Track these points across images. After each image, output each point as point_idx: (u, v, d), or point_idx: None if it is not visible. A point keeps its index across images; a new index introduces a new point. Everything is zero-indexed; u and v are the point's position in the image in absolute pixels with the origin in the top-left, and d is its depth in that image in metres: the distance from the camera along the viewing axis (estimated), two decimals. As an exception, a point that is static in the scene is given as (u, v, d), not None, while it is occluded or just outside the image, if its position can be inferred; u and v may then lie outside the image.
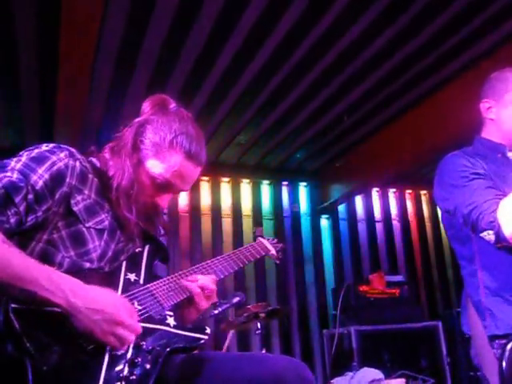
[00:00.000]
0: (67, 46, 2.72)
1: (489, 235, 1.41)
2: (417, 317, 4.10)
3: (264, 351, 3.13)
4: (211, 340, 3.51)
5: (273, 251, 1.67)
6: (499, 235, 1.38)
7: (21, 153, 1.17)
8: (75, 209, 1.18)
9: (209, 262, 1.42)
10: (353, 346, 3.76)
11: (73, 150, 1.23)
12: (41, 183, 1.11)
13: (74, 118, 3.54)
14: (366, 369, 3.20)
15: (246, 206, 4.84)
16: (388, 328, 3.95)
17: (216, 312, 2.54)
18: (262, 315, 2.98)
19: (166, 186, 1.29)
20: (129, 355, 1.09)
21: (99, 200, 1.25)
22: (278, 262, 1.71)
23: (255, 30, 2.87)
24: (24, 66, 3.04)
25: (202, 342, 1.25)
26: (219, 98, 3.60)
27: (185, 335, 1.24)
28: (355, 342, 3.77)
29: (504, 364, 1.41)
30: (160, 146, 1.26)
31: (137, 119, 1.33)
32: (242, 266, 1.49)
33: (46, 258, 1.11)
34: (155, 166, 1.26)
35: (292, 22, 2.84)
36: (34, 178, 1.11)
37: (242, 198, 4.85)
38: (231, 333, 3.24)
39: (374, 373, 3.12)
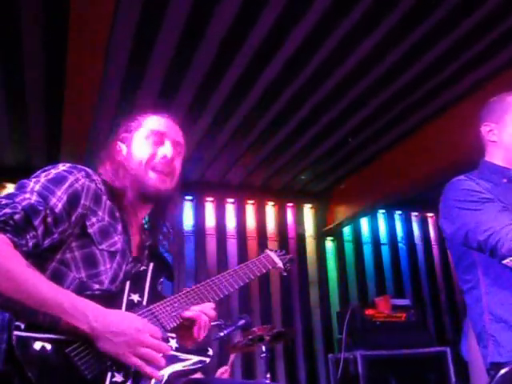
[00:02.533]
0: (75, 63, 2.73)
1: None
2: (424, 342, 4.01)
3: (269, 375, 3.07)
4: (215, 363, 3.44)
5: (280, 264, 1.62)
6: None
7: (38, 173, 1.18)
8: (90, 231, 1.18)
9: (214, 278, 1.38)
10: (359, 371, 3.67)
11: (89, 170, 1.24)
12: (60, 206, 1.12)
13: (80, 136, 3.54)
14: (373, 395, 3.12)
15: (251, 227, 4.82)
16: (395, 353, 3.86)
17: (221, 334, 2.51)
18: (267, 338, 2.94)
19: (154, 164, 1.30)
20: (129, 382, 1.07)
21: (112, 222, 1.25)
22: (285, 274, 1.66)
23: (261, 49, 2.90)
24: (31, 84, 3.06)
25: (206, 363, 1.23)
26: (224, 118, 3.62)
27: (187, 358, 1.23)
28: (361, 368, 3.68)
29: None
30: (128, 140, 1.34)
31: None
32: (247, 281, 1.44)
33: (57, 276, 1.11)
34: (135, 154, 1.31)
35: (298, 44, 2.87)
36: (54, 200, 1.11)
37: (246, 219, 4.83)
38: (235, 356, 3.18)
39: (382, 399, 3.04)
